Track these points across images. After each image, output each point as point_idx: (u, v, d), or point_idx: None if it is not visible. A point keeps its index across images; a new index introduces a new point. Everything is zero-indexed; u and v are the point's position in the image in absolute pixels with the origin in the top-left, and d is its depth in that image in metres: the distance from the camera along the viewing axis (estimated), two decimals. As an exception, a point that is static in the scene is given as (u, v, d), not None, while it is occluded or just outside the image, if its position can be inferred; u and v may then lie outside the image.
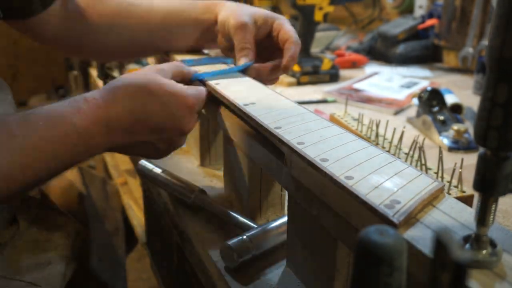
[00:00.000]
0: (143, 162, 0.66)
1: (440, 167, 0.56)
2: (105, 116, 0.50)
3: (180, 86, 0.54)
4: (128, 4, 0.75)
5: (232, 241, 0.48)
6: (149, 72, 0.54)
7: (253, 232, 0.49)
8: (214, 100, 0.60)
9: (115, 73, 1.02)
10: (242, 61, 0.65)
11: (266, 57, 0.68)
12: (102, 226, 0.92)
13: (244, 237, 0.48)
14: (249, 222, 0.52)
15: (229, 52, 0.72)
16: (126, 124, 0.51)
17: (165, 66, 0.57)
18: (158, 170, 0.64)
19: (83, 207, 0.83)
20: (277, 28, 0.67)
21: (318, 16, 1.18)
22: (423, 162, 0.57)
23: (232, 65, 0.67)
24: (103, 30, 0.75)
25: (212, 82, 0.60)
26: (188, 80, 0.60)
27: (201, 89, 0.57)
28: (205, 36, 0.75)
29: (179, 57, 0.71)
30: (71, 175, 0.88)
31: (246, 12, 0.68)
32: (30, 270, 0.64)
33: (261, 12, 0.69)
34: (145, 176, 0.65)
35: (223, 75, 0.63)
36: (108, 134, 0.50)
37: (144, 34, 0.75)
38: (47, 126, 0.48)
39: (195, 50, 0.78)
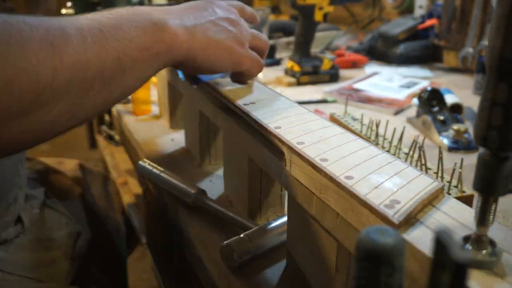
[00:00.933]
0: (143, 163, 0.65)
1: (440, 167, 0.56)
2: (159, 8, 0.51)
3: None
4: None
5: (232, 241, 0.48)
6: None
7: (252, 231, 0.49)
8: (214, 100, 0.60)
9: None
10: None
11: None
12: (104, 225, 0.92)
13: (244, 237, 0.48)
14: (248, 223, 0.52)
15: None
16: (180, 10, 0.52)
17: None
18: (157, 171, 0.64)
19: (85, 207, 0.83)
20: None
21: (318, 16, 1.18)
22: (423, 162, 0.57)
23: None
24: None
25: (212, 82, 0.60)
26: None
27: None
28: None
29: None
30: (73, 174, 0.88)
31: None
32: (35, 268, 0.64)
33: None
34: (145, 177, 0.65)
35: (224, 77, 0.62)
36: (171, 14, 0.50)
37: None
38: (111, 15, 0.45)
39: None
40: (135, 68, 0.45)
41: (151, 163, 0.65)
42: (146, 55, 0.46)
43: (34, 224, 0.70)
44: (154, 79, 0.94)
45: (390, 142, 0.69)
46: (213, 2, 0.57)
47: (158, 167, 0.64)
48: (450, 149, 0.80)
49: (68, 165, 0.89)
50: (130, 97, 1.00)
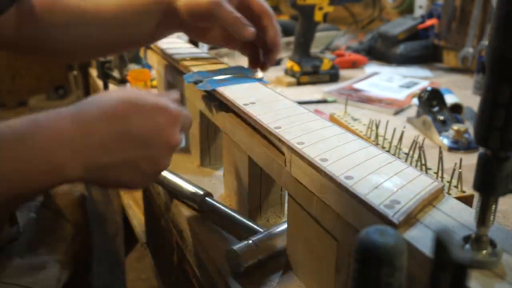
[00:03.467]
0: None
1: (440, 167, 0.56)
2: (75, 131, 0.42)
3: (163, 97, 0.48)
4: (79, 1, 0.71)
5: (238, 246, 0.47)
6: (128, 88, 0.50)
7: (259, 237, 0.49)
8: (215, 100, 0.60)
9: (115, 73, 1.02)
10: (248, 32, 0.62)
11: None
12: (102, 227, 0.92)
13: (251, 242, 0.48)
14: (256, 227, 0.52)
15: (222, 42, 0.70)
16: (102, 136, 0.43)
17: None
18: (163, 172, 0.63)
19: (85, 210, 0.83)
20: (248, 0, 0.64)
21: (318, 16, 1.18)
22: (423, 162, 0.57)
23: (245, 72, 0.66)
24: (57, 31, 0.71)
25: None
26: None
27: (187, 111, 0.52)
28: (166, 21, 0.69)
29: (195, 68, 0.67)
30: None
31: None
32: (25, 274, 0.64)
33: None
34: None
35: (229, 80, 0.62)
36: (80, 153, 0.42)
37: (99, 29, 0.70)
38: None
39: (157, 39, 0.74)
40: (25, 196, 0.44)
41: None
42: (37, 191, 0.44)
43: (29, 228, 0.70)
44: (154, 82, 0.94)
45: (390, 142, 0.69)
46: (157, 129, 0.46)
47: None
48: (450, 149, 0.80)
49: None
50: None
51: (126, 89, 0.49)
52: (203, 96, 0.63)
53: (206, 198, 0.58)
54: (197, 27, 0.69)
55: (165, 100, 0.48)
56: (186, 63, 0.71)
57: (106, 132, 0.44)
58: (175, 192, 0.62)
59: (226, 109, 0.57)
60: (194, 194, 0.59)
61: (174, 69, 0.77)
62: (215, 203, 0.57)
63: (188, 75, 0.64)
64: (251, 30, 0.62)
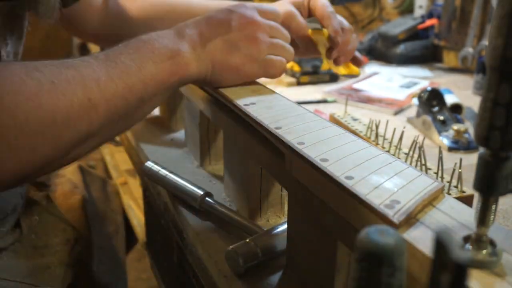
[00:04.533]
0: (150, 164, 0.65)
1: (440, 167, 0.56)
2: (172, 30, 0.54)
3: None
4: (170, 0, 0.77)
5: (237, 246, 0.47)
6: None
7: (258, 236, 0.49)
8: (214, 100, 0.60)
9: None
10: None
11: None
12: (103, 228, 0.92)
13: (250, 242, 0.48)
14: (255, 227, 0.52)
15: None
16: (191, 29, 0.54)
17: None
18: (164, 172, 0.63)
19: (85, 211, 0.83)
20: (313, 6, 0.71)
21: (318, 16, 1.18)
22: (423, 162, 0.57)
23: None
24: (143, 26, 0.75)
25: None
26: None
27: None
28: None
29: None
30: (74, 177, 0.88)
31: (283, 2, 0.71)
32: (29, 274, 0.64)
33: None
34: (151, 178, 0.65)
35: None
36: (183, 39, 0.52)
37: None
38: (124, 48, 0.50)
39: None
40: (153, 100, 0.51)
41: (158, 165, 0.65)
42: (163, 88, 0.51)
43: (32, 230, 0.70)
44: None
45: (390, 142, 0.69)
46: (235, 12, 0.56)
47: (165, 169, 0.64)
48: (450, 149, 0.80)
49: (68, 167, 0.89)
50: None
51: None
52: (204, 97, 0.63)
53: (206, 198, 0.58)
54: None
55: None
56: None
57: (195, 26, 0.55)
58: (175, 192, 0.62)
59: (226, 109, 0.57)
60: (194, 193, 0.59)
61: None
62: (215, 203, 0.57)
63: None
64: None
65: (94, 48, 1.63)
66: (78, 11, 0.73)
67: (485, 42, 1.22)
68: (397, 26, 1.48)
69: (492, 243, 0.31)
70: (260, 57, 0.57)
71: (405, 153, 0.65)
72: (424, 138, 0.64)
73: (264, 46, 0.56)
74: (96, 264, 0.81)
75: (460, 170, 0.54)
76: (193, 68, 0.53)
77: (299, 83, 1.21)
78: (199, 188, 0.59)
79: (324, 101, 1.08)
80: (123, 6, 0.76)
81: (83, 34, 0.78)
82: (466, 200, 0.54)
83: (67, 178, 0.85)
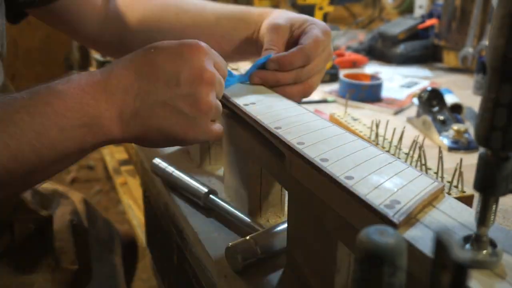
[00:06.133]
0: (157, 160, 0.66)
1: (440, 167, 0.56)
2: (100, 80, 0.42)
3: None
4: (176, 8, 0.71)
5: (237, 243, 0.47)
6: None
7: (258, 234, 0.49)
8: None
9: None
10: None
11: None
12: (103, 226, 0.91)
13: (250, 239, 0.48)
14: (257, 226, 0.52)
15: None
16: (128, 80, 0.43)
17: None
18: (171, 169, 0.64)
19: (87, 248, 0.80)
20: (306, 31, 0.61)
21: (318, 16, 1.18)
22: (423, 162, 0.57)
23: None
24: (144, 33, 0.71)
25: None
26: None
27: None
28: (250, 45, 0.68)
29: None
30: (79, 206, 0.85)
31: (284, 16, 0.64)
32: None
33: (302, 17, 0.63)
34: (158, 174, 0.66)
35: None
36: (110, 99, 0.42)
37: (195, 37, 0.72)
38: (29, 97, 0.41)
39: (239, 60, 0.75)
40: (53, 168, 0.43)
41: (165, 162, 0.66)
42: (67, 157, 0.43)
43: (23, 237, 0.68)
44: None
45: (390, 142, 0.69)
46: (187, 60, 0.45)
47: (172, 166, 0.65)
48: (450, 149, 0.80)
49: (73, 197, 0.86)
50: None
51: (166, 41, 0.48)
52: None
53: (211, 196, 0.58)
54: None
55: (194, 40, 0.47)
56: None
57: (134, 76, 0.43)
58: (179, 189, 0.62)
59: (226, 109, 0.57)
60: (199, 191, 0.59)
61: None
62: (219, 200, 0.57)
63: None
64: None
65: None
66: (76, 9, 0.70)
67: (485, 42, 1.22)
68: (397, 26, 1.48)
69: (492, 243, 0.31)
70: (205, 124, 0.47)
71: (405, 153, 0.65)
72: (424, 138, 0.64)
73: (211, 110, 0.47)
74: (96, 261, 0.80)
75: (460, 170, 0.54)
76: (115, 134, 0.43)
77: (299, 83, 1.21)
78: (204, 185, 0.60)
79: (324, 101, 1.07)
80: (123, 12, 0.71)
81: (82, 37, 0.75)
82: (466, 200, 0.54)
83: (70, 208, 0.82)
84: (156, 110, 0.44)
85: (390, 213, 0.32)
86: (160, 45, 0.45)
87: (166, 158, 0.68)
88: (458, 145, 0.80)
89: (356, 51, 1.50)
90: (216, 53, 0.49)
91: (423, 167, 0.57)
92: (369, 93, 1.05)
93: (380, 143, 0.70)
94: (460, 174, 0.54)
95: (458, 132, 0.81)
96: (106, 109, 0.42)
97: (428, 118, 0.87)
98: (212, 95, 0.46)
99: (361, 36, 1.63)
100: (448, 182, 0.55)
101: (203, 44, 0.46)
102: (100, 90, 0.42)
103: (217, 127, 0.49)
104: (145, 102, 0.43)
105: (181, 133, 0.45)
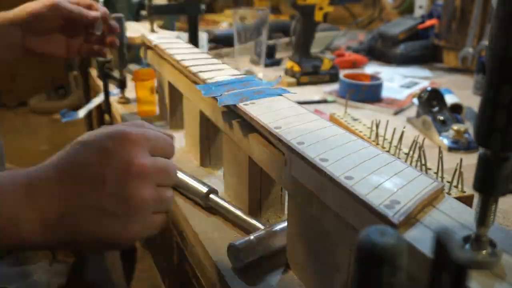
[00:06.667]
0: None
1: (440, 167, 0.56)
2: (24, 182, 0.38)
3: (121, 125, 0.42)
4: None
5: (240, 242, 0.47)
6: None
7: (260, 234, 0.49)
8: (214, 100, 0.60)
9: (115, 73, 1.02)
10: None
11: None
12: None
13: (252, 238, 0.48)
14: (259, 224, 0.52)
15: (63, 50, 0.81)
16: (51, 183, 0.38)
17: None
18: None
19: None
20: None
21: (318, 16, 1.18)
22: (423, 162, 0.57)
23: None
24: None
25: (211, 82, 0.60)
26: None
27: (167, 133, 0.45)
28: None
29: (221, 77, 0.63)
30: None
31: None
32: (13, 280, 0.64)
33: None
34: None
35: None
36: (32, 202, 0.37)
37: None
38: None
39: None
40: None
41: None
42: None
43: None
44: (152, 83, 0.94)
45: (390, 142, 0.69)
46: (113, 155, 0.39)
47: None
48: (450, 149, 0.80)
49: None
50: (133, 97, 1.00)
51: (98, 130, 0.42)
52: (203, 96, 0.63)
53: (211, 195, 0.59)
54: (38, 40, 0.78)
55: (127, 127, 0.41)
56: (192, 68, 0.68)
57: (58, 179, 0.39)
58: (180, 188, 0.62)
59: (226, 109, 0.57)
60: (199, 190, 0.59)
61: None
62: (220, 199, 0.57)
63: (203, 88, 0.60)
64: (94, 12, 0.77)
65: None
66: None
67: (485, 42, 1.22)
68: (397, 26, 1.48)
69: (492, 244, 0.31)
70: (142, 220, 0.41)
71: (405, 153, 0.65)
72: (424, 138, 0.64)
73: (148, 204, 0.40)
74: (96, 261, 0.80)
75: (460, 170, 0.54)
76: (36, 240, 0.38)
77: (299, 83, 1.21)
78: (205, 185, 0.60)
79: (324, 101, 1.08)
80: None
81: None
82: (466, 200, 0.54)
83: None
84: (83, 214, 0.39)
85: (390, 213, 0.32)
86: (86, 139, 0.41)
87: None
88: (458, 145, 0.80)
89: (356, 51, 1.50)
90: (157, 134, 0.43)
91: (423, 167, 0.57)
92: (369, 93, 1.05)
93: (380, 143, 0.70)
94: (460, 174, 0.54)
95: (458, 132, 0.81)
96: (27, 213, 0.38)
97: (428, 118, 0.87)
98: (148, 188, 0.40)
99: (361, 36, 1.63)
100: (448, 182, 0.55)
101: (133, 132, 0.41)
102: (21, 193, 0.38)
103: (159, 218, 0.43)
104: (70, 206, 0.38)
105: (116, 235, 0.40)
